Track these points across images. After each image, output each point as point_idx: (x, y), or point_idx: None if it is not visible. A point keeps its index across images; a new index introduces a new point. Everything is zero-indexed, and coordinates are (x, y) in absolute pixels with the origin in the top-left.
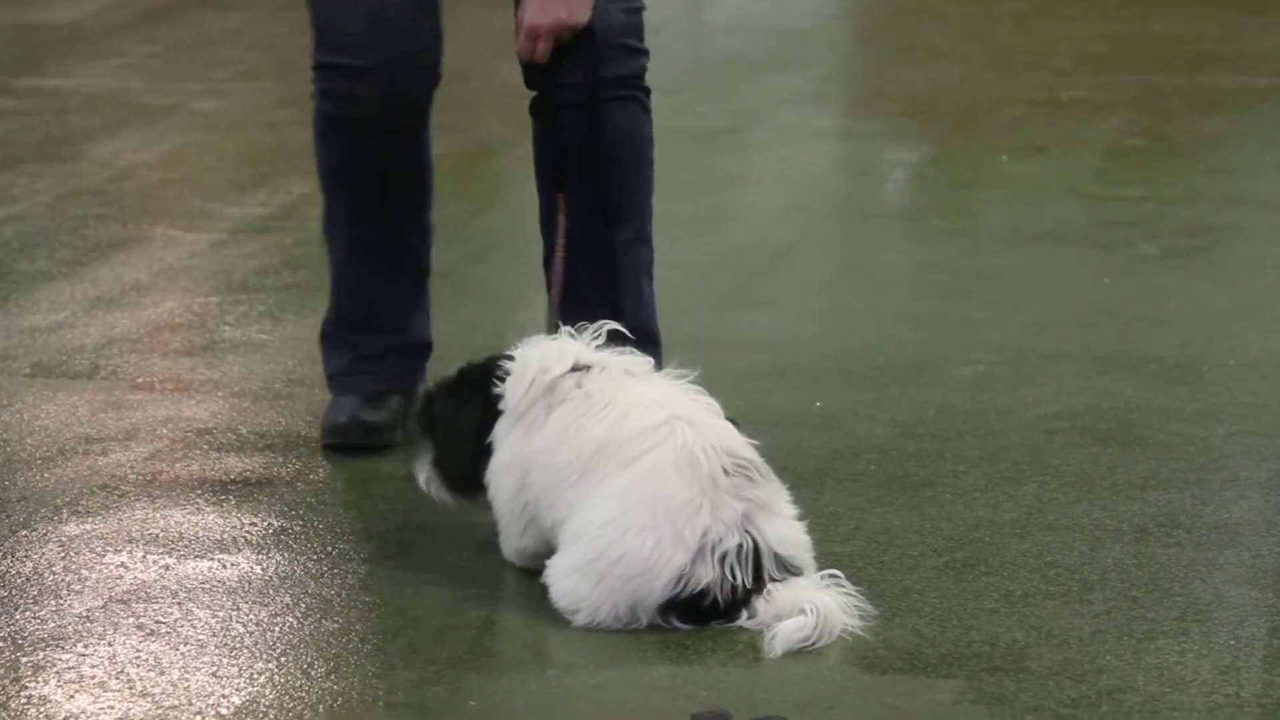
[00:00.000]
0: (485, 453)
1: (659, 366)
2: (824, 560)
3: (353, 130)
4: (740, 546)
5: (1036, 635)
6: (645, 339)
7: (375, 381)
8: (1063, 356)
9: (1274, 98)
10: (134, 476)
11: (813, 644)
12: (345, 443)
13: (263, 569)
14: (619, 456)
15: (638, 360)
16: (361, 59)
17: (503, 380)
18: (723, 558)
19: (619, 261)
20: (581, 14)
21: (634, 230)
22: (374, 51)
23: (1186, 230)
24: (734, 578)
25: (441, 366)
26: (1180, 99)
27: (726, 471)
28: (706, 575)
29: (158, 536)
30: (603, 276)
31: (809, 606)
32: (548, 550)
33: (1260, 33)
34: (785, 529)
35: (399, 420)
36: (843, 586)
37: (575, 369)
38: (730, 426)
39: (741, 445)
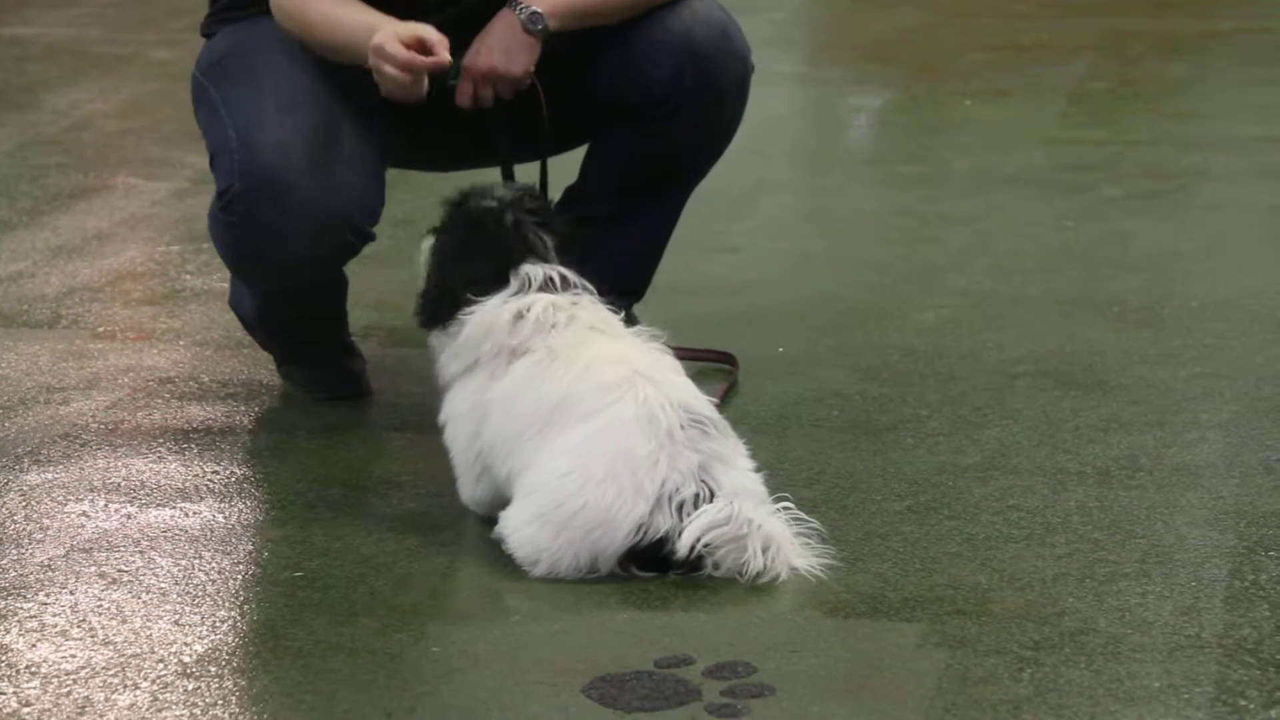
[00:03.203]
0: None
1: (629, 312)
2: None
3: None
4: (697, 495)
5: (999, 578)
6: (627, 291)
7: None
8: (1025, 300)
9: (1235, 41)
10: (95, 425)
11: (747, 560)
12: (338, 395)
13: (225, 517)
14: (579, 410)
15: (607, 316)
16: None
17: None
18: (680, 506)
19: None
20: (517, 65)
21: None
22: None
23: (1149, 173)
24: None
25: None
26: (1142, 43)
27: (682, 426)
28: (664, 524)
29: (119, 485)
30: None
31: (749, 525)
32: (502, 500)
33: None
34: (740, 479)
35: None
36: (803, 521)
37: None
38: (690, 384)
39: (700, 402)
